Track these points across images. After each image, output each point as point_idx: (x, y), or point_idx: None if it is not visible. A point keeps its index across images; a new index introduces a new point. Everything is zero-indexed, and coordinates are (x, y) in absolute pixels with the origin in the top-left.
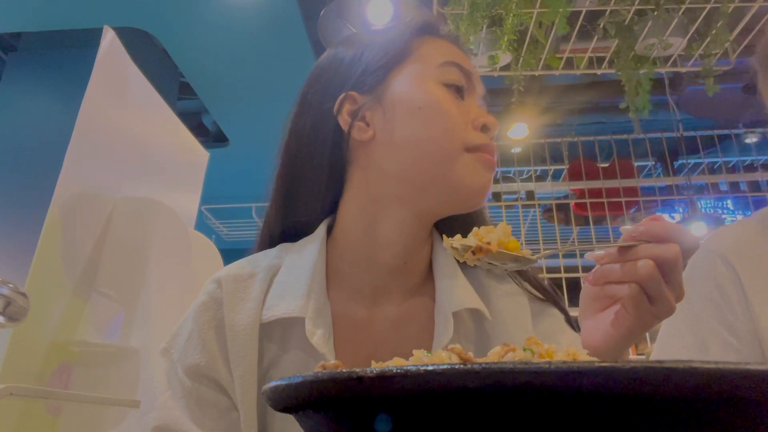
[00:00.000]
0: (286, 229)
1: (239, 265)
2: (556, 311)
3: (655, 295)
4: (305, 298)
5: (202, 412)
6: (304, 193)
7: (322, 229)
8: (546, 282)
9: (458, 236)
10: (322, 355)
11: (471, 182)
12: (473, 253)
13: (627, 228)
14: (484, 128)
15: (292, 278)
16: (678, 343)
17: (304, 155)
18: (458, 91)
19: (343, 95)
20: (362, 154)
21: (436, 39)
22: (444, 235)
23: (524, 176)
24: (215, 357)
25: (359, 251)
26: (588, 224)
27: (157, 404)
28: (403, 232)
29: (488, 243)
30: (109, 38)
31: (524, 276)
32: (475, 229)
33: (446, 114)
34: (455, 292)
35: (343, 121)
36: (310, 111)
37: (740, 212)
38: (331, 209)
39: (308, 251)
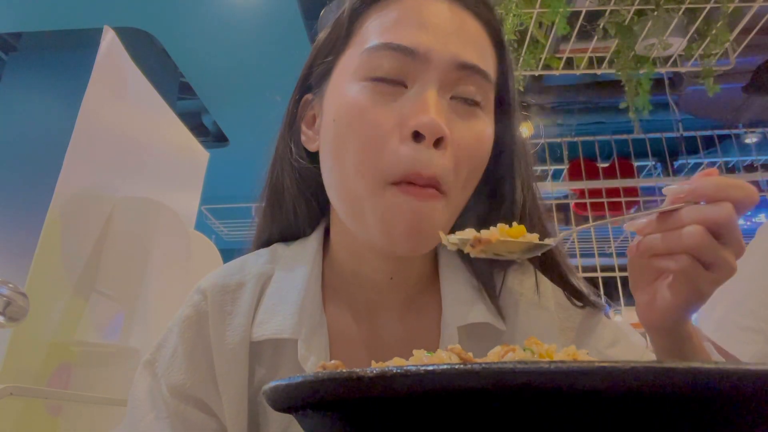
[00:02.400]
0: (277, 234)
1: (227, 273)
2: (600, 316)
3: (712, 261)
4: (298, 315)
5: None
6: (291, 208)
7: (316, 237)
8: (583, 284)
9: (458, 233)
10: None
11: (390, 229)
12: (472, 246)
13: (671, 188)
14: (416, 135)
15: (284, 291)
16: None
17: (289, 169)
18: (392, 81)
19: (305, 99)
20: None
21: (385, 5)
22: (440, 232)
23: None
24: (202, 377)
25: (345, 265)
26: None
27: (140, 427)
28: (378, 253)
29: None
30: (109, 38)
31: (561, 282)
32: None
33: (360, 125)
34: (464, 303)
35: (303, 130)
36: (288, 119)
37: None
38: (326, 210)
39: (302, 260)
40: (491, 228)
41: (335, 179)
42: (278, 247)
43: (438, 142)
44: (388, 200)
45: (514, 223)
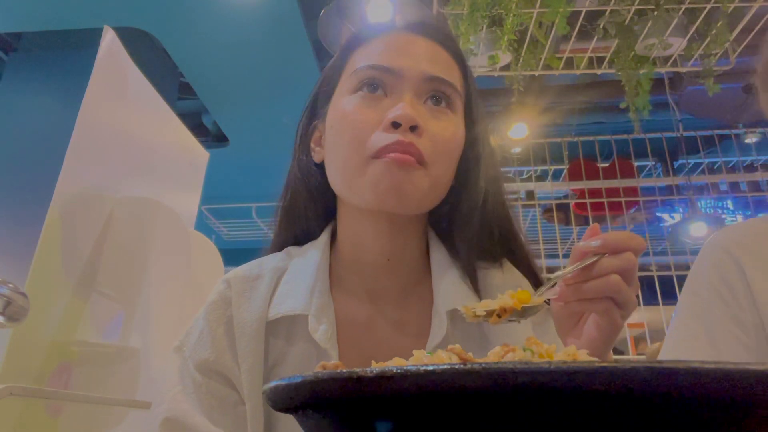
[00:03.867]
0: (291, 237)
1: (248, 267)
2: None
3: (623, 302)
4: (309, 296)
5: (211, 405)
6: (304, 213)
7: (325, 234)
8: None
9: (478, 304)
10: (324, 350)
11: (378, 186)
12: (498, 315)
13: (580, 245)
14: (395, 125)
15: (296, 279)
16: (688, 335)
17: (301, 178)
18: (374, 90)
19: (313, 124)
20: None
21: (368, 44)
22: (464, 306)
23: (524, 176)
24: (224, 352)
25: (349, 254)
26: (588, 224)
27: (167, 397)
28: (377, 233)
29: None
30: (109, 38)
31: (529, 279)
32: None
33: (349, 126)
34: (452, 290)
35: (311, 147)
36: (299, 140)
37: (740, 212)
38: (333, 216)
39: (312, 255)
40: (501, 296)
41: (333, 166)
42: (292, 249)
43: (413, 130)
44: (374, 169)
45: (519, 289)
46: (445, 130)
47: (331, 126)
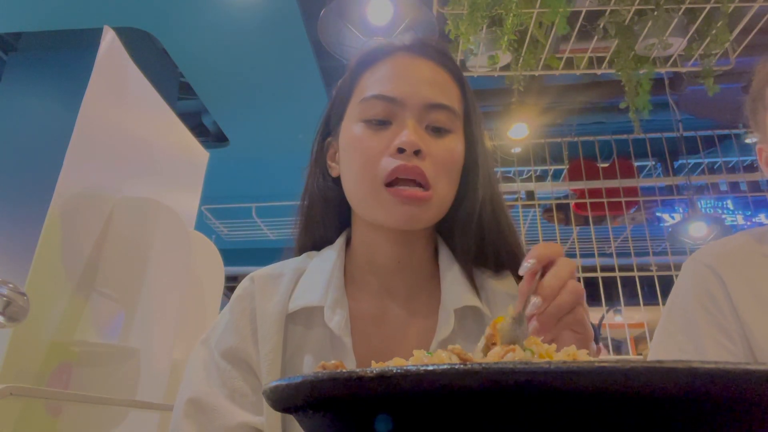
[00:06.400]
0: (310, 243)
1: (270, 267)
2: None
3: (580, 329)
4: (325, 291)
5: (233, 389)
6: (322, 221)
7: (341, 238)
8: None
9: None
10: (339, 337)
11: (387, 218)
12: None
13: (525, 265)
14: (400, 151)
15: (314, 277)
16: (675, 347)
17: (318, 191)
18: (380, 121)
19: (327, 141)
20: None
21: (376, 66)
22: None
23: (524, 176)
24: (246, 339)
25: (362, 257)
26: (588, 224)
27: (192, 382)
28: (388, 241)
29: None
30: (109, 38)
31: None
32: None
33: (360, 151)
34: (458, 290)
35: (328, 164)
36: (315, 156)
37: (740, 212)
38: (348, 224)
39: (329, 255)
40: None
41: (349, 187)
42: (311, 252)
43: (417, 154)
44: (388, 199)
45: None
46: (445, 151)
47: (344, 149)
